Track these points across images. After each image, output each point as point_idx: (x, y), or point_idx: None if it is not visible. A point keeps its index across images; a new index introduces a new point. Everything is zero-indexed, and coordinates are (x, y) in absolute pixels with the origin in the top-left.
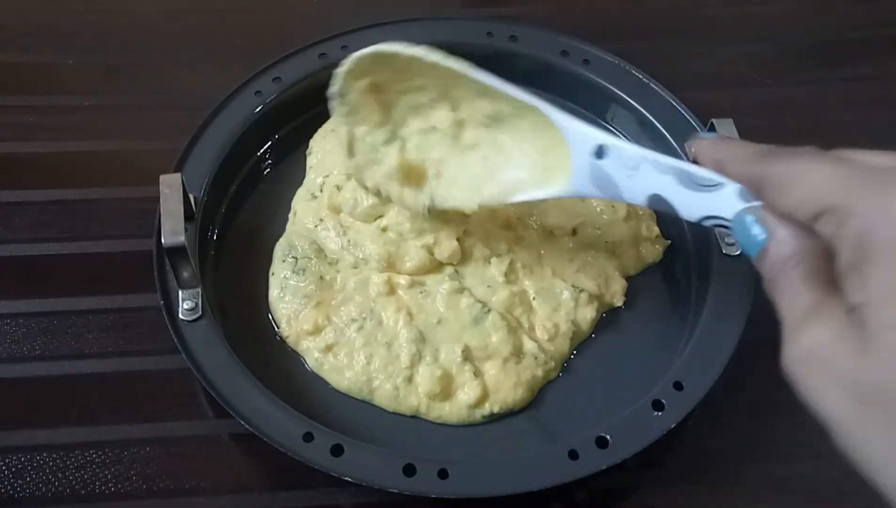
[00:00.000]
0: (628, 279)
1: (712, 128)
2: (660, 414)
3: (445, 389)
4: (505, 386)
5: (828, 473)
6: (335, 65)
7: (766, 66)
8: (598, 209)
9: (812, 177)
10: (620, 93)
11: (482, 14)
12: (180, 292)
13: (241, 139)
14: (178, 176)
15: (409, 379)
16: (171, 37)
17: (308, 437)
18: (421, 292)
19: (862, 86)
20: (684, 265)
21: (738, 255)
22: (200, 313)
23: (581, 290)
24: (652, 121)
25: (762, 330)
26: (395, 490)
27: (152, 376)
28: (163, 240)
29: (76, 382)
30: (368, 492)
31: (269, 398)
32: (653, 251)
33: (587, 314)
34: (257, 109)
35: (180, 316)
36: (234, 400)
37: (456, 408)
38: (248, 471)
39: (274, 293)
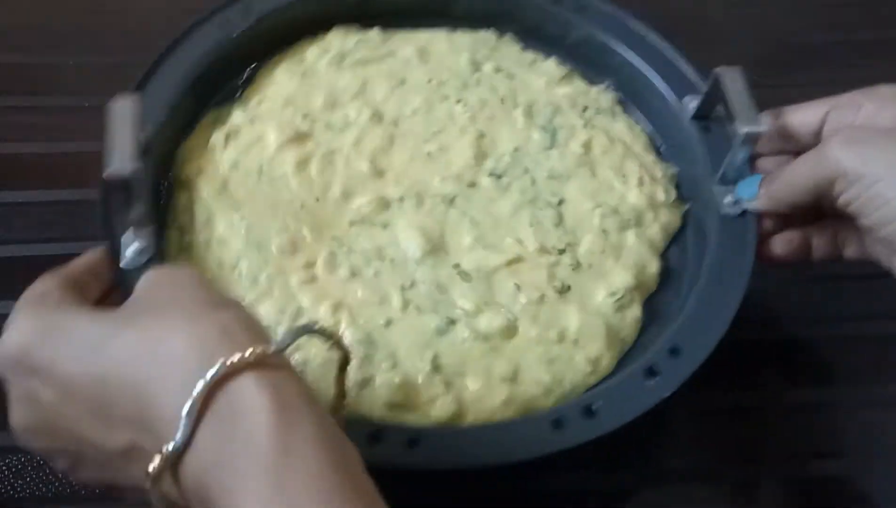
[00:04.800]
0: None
1: (717, 80)
2: (653, 381)
3: (409, 400)
4: (490, 403)
5: (830, 474)
6: None
7: (766, 66)
8: (610, 177)
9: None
10: (618, 43)
11: None
12: (130, 231)
13: (210, 68)
14: (131, 97)
15: (364, 384)
16: (171, 37)
17: None
18: (353, 277)
19: (860, 87)
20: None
21: (738, 216)
22: (148, 258)
23: (621, 295)
24: (649, 74)
25: (763, 332)
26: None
27: None
28: (105, 172)
29: None
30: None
31: None
32: (673, 217)
33: (633, 314)
34: (222, 40)
35: (126, 258)
36: None
37: (424, 421)
38: None
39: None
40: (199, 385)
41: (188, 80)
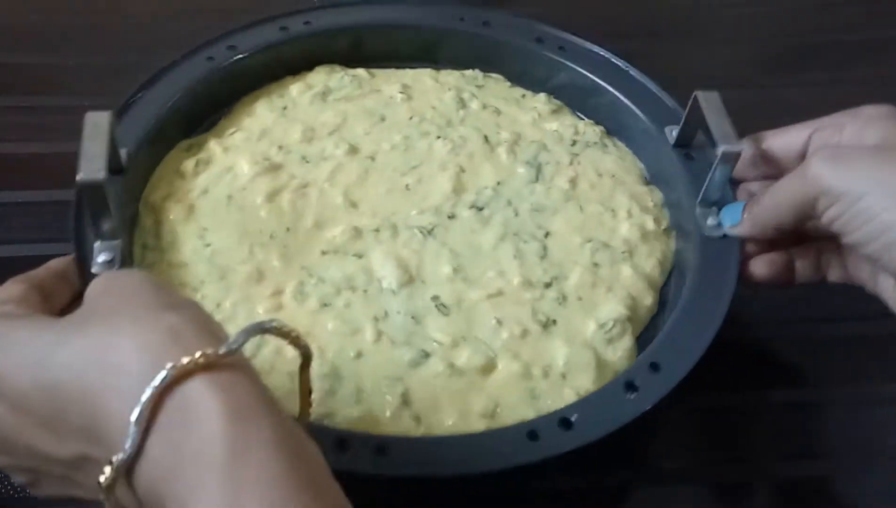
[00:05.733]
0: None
1: (696, 102)
2: (633, 396)
3: (375, 432)
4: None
5: (816, 474)
6: (296, 38)
7: (766, 66)
8: (599, 212)
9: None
10: (598, 80)
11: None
12: (98, 243)
13: (187, 103)
14: (106, 113)
15: (326, 418)
16: (171, 37)
17: None
18: (323, 307)
19: (860, 87)
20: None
21: (720, 237)
22: (118, 267)
23: (611, 326)
24: (631, 107)
25: (746, 332)
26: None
27: None
28: (78, 176)
29: None
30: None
31: None
32: (667, 247)
33: (625, 346)
34: (207, 74)
35: (93, 269)
36: None
37: None
38: None
39: None
40: (148, 391)
41: (167, 111)
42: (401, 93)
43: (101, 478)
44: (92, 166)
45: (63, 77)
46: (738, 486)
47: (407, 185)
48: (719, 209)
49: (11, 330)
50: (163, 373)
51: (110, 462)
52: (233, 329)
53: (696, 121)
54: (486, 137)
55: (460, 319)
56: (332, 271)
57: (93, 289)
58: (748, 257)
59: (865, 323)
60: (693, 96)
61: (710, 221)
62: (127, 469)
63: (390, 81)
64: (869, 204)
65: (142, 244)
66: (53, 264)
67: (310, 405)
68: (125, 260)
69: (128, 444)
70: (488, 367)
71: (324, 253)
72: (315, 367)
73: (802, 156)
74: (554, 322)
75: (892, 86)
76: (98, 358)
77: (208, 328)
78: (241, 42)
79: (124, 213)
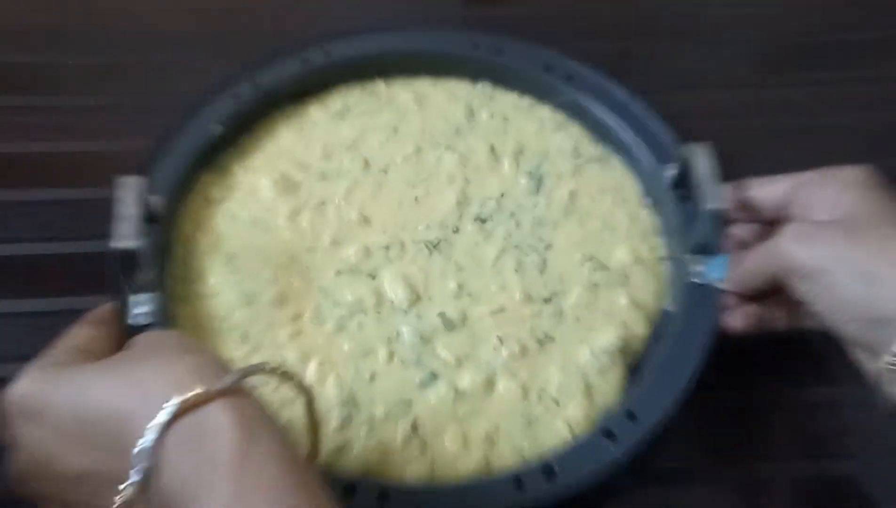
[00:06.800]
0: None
1: (685, 156)
2: (611, 443)
3: (383, 466)
4: (463, 468)
5: (832, 474)
6: (315, 70)
7: (766, 66)
8: (598, 228)
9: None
10: (601, 109)
11: (482, 14)
12: (135, 296)
13: (215, 143)
14: (137, 178)
15: (341, 449)
16: (171, 37)
17: None
18: (339, 331)
19: (860, 87)
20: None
21: (703, 284)
22: (152, 321)
23: (604, 357)
24: (632, 138)
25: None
26: None
27: None
28: (112, 243)
29: None
30: None
31: None
32: (661, 275)
33: (615, 376)
34: (232, 111)
35: (130, 320)
36: None
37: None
38: None
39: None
40: (172, 406)
41: (196, 155)
42: (414, 103)
43: (116, 503)
44: (126, 232)
45: (63, 77)
46: (758, 485)
47: (416, 198)
48: (707, 256)
49: (60, 372)
50: (188, 394)
51: (119, 492)
52: (258, 357)
53: (687, 171)
54: (492, 147)
55: (465, 336)
56: (346, 293)
57: (132, 342)
58: (727, 308)
59: None
60: (683, 152)
61: (696, 269)
62: (147, 479)
63: (405, 89)
64: (832, 281)
65: (172, 275)
66: (95, 315)
67: (319, 446)
68: (161, 310)
69: (134, 476)
70: (489, 387)
71: (338, 272)
72: (333, 394)
73: (784, 208)
74: (551, 339)
75: (893, 86)
76: (130, 390)
77: (224, 367)
78: (264, 78)
79: (160, 248)
